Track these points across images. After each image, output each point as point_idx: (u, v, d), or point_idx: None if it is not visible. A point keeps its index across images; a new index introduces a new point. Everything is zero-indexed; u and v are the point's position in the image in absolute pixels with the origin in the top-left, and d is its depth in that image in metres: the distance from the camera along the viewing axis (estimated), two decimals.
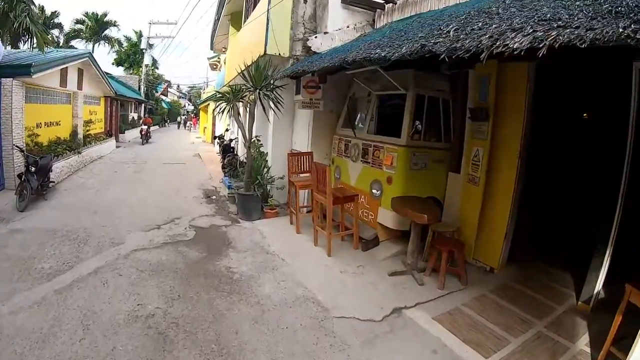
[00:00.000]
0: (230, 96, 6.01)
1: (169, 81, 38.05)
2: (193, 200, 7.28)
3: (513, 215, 4.16)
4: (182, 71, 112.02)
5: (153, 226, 5.41)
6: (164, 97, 35.59)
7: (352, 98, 5.68)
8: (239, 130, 6.52)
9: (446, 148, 4.75)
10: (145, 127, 17.96)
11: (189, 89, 46.12)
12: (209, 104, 21.91)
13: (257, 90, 5.54)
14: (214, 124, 19.70)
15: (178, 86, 45.47)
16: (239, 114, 6.49)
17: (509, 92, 4.10)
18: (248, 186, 6.04)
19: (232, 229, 5.54)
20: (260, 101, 5.72)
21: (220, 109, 6.16)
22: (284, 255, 4.51)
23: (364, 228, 4.84)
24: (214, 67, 22.21)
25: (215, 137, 15.13)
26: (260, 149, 7.04)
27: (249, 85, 5.74)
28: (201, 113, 26.63)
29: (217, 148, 13.76)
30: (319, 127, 6.09)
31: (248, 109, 6.11)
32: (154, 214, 6.01)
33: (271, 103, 5.71)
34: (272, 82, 5.69)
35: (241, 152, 10.06)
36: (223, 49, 14.46)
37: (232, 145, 10.93)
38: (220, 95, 6.32)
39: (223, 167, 9.29)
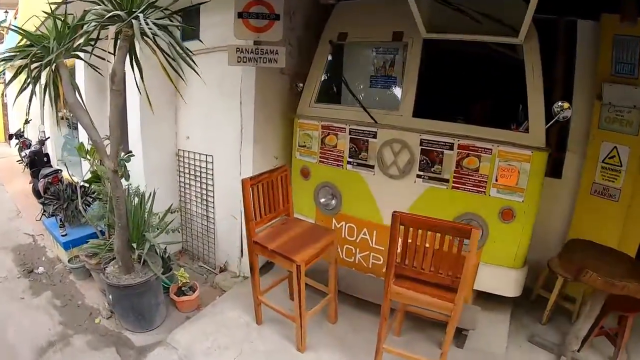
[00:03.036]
0: (52, 44, 2.31)
1: None
2: (2, 289, 3.21)
3: None
4: None
5: None
6: None
7: (334, 43, 2.91)
8: (85, 129, 2.66)
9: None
10: None
11: None
12: None
13: (137, 19, 2.16)
14: (5, 115, 12.83)
15: None
16: (76, 90, 2.65)
17: None
18: (127, 260, 2.63)
19: None
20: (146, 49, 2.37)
21: (28, 77, 2.30)
22: None
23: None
24: None
25: (11, 136, 9.24)
26: (123, 157, 3.42)
27: (105, 12, 2.27)
28: None
29: (14, 150, 8.41)
30: (260, 104, 3.06)
31: (114, 76, 2.40)
32: None
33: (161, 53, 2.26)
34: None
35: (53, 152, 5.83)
36: None
37: (45, 151, 6.11)
38: (27, 44, 2.35)
39: (37, 196, 4.92)
